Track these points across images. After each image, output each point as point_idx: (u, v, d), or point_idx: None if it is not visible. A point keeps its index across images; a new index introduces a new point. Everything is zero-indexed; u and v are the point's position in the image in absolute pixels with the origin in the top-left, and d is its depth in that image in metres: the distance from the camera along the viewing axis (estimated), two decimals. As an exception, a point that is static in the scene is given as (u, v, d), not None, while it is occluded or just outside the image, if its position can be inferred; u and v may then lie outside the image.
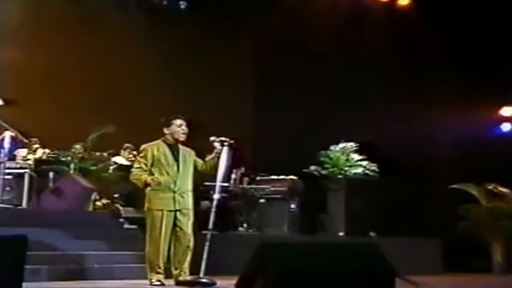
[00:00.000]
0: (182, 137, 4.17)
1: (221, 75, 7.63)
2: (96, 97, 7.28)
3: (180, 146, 4.21)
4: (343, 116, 7.64)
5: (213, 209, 4.08)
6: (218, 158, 4.11)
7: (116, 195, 6.65)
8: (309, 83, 7.89)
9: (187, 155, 4.23)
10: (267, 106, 8.03)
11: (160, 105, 6.77)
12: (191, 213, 4.15)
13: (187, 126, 4.16)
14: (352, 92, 7.69)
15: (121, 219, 6.00)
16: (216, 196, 4.15)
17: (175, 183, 4.11)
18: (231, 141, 4.14)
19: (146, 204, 4.18)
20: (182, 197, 4.14)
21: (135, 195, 6.52)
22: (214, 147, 4.19)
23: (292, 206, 6.69)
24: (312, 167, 6.94)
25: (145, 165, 4.06)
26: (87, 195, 6.20)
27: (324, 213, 6.93)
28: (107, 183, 6.57)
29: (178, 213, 4.13)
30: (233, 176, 6.42)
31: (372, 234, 6.64)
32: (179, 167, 4.14)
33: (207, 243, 4.06)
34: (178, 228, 4.13)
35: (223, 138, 4.12)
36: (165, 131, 4.17)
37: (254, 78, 8.12)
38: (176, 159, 4.16)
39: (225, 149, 4.08)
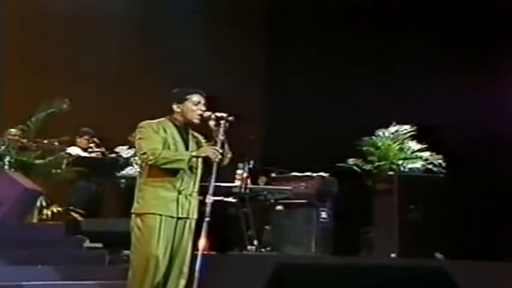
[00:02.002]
0: (196, 119, 4.14)
1: (227, 41, 8.28)
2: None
3: (191, 131, 4.23)
4: (393, 90, 7.80)
5: (206, 219, 3.97)
6: (215, 142, 4.09)
7: (72, 201, 6.91)
8: (341, 46, 8.26)
9: (198, 140, 4.26)
10: (283, 79, 8.52)
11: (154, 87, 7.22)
12: (194, 226, 4.14)
13: (204, 104, 4.18)
14: (404, 58, 7.88)
15: (79, 235, 6.10)
16: (209, 200, 4.03)
17: (182, 179, 4.07)
18: (230, 118, 4.08)
19: (135, 205, 4.07)
20: (188, 200, 4.11)
21: (99, 200, 7.32)
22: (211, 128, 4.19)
23: (323, 214, 6.75)
24: (351, 160, 6.96)
25: (161, 142, 4.04)
26: (30, 200, 6.24)
27: (368, 225, 6.93)
28: (58, 183, 6.70)
29: (180, 222, 4.10)
30: (238, 172, 6.42)
31: (437, 255, 6.60)
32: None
33: (197, 271, 3.97)
34: (175, 245, 4.10)
35: (219, 114, 4.09)
36: (175, 107, 4.15)
37: (266, 43, 8.69)
38: (186, 145, 4.16)
39: (222, 130, 4.06)
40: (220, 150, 4.02)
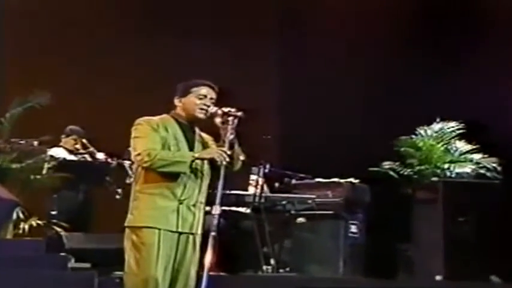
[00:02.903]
0: (200, 114, 4.14)
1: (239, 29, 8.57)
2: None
3: (197, 130, 4.23)
4: (436, 81, 7.82)
5: (213, 233, 3.91)
6: (223, 142, 4.05)
7: (53, 212, 6.81)
8: (371, 32, 8.44)
9: (205, 141, 4.25)
10: (302, 71, 8.58)
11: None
12: (198, 242, 4.14)
13: (212, 99, 4.16)
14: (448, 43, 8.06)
15: (63, 253, 6.07)
16: (216, 211, 3.96)
17: (184, 186, 4.08)
18: (239, 113, 4.04)
19: (129, 218, 4.09)
20: (191, 211, 4.11)
21: (87, 211, 7.14)
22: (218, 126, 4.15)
23: (353, 228, 6.79)
24: (386, 164, 7.02)
25: (161, 142, 4.06)
26: (4, 212, 6.23)
27: (407, 241, 6.92)
28: (38, 191, 6.68)
29: (182, 238, 4.10)
30: (252, 177, 6.50)
31: (493, 278, 6.60)
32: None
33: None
34: (176, 265, 4.10)
35: (226, 109, 4.06)
36: (177, 102, 4.19)
37: (281, 31, 8.86)
38: (191, 147, 4.16)
39: (231, 128, 4.03)
40: (229, 152, 3.98)
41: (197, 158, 4.05)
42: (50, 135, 6.81)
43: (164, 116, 4.21)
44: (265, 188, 6.64)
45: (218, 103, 4.14)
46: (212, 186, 4.14)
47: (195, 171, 4.10)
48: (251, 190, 6.43)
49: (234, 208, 6.20)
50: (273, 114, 8.72)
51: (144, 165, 4.01)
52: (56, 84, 7.33)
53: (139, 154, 4.04)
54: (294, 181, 6.90)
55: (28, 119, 6.78)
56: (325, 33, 8.61)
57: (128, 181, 6.47)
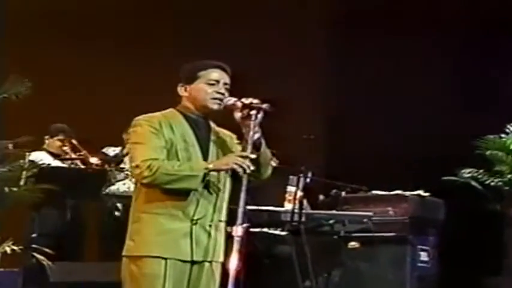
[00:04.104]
0: (215, 105, 4.13)
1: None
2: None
3: (212, 125, 4.24)
4: None
5: (234, 262, 3.89)
6: (246, 142, 4.05)
7: (33, 235, 6.83)
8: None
9: (224, 142, 4.27)
10: (353, 63, 8.65)
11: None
12: (218, 272, 4.19)
13: (227, 85, 4.17)
14: None
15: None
16: (237, 232, 3.94)
17: (197, 202, 4.10)
18: (264, 105, 4.03)
19: (129, 245, 4.12)
20: (207, 232, 4.13)
21: (76, 233, 7.14)
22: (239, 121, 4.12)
23: (422, 255, 6.75)
24: (466, 171, 6.98)
25: (166, 148, 4.10)
26: None
27: (496, 272, 6.87)
28: (14, 208, 6.63)
29: (196, 268, 4.14)
30: (290, 189, 6.46)
31: None
32: None
33: None
34: None
35: (247, 101, 4.05)
36: (182, 91, 4.20)
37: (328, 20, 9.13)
38: (204, 150, 4.17)
39: (254, 124, 4.00)
40: (252, 156, 3.95)
41: (211, 170, 4.04)
42: (30, 135, 6.60)
43: (169, 111, 4.20)
44: (306, 203, 6.66)
45: (236, 93, 4.12)
46: (235, 201, 4.08)
47: (210, 183, 4.09)
48: (288, 206, 6.42)
49: (266, 229, 6.20)
50: (316, 110, 8.82)
51: (144, 181, 3.98)
52: (41, 74, 7.44)
53: (137, 166, 4.00)
54: (343, 194, 6.95)
55: (2, 114, 6.84)
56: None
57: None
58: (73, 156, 7.35)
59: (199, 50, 7.91)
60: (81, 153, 7.35)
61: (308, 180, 6.42)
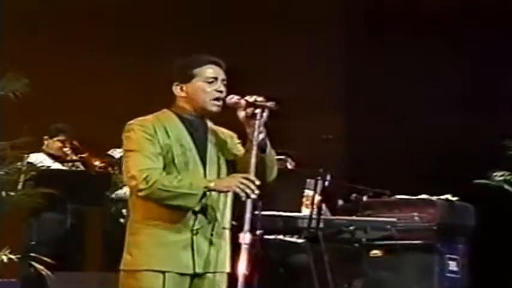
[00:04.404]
0: (215, 106, 4.12)
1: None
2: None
3: (210, 124, 4.23)
4: None
5: (242, 269, 3.86)
6: (250, 142, 4.03)
7: (32, 243, 6.86)
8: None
9: (224, 143, 4.26)
10: (373, 58, 8.66)
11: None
12: (224, 285, 4.21)
13: (224, 81, 4.18)
14: None
15: None
16: (245, 240, 3.89)
17: (198, 210, 4.11)
18: (269, 104, 4.00)
19: (126, 258, 4.12)
20: (210, 242, 4.13)
21: (78, 242, 7.11)
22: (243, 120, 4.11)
23: (451, 265, 6.80)
24: (498, 174, 6.79)
25: (162, 154, 4.11)
26: None
27: None
28: (11, 214, 6.59)
29: (198, 282, 4.14)
30: (307, 193, 6.47)
31: None
32: (206, 169, 4.15)
33: None
34: None
35: (251, 99, 4.04)
36: (178, 91, 4.17)
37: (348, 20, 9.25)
38: (202, 153, 4.17)
39: (259, 125, 4.00)
40: (257, 183, 3.90)
41: (211, 190, 4.03)
42: (28, 135, 6.46)
43: (163, 112, 4.16)
44: (324, 208, 6.65)
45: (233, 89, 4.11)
46: (240, 206, 4.06)
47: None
48: (305, 211, 6.39)
49: (281, 237, 6.19)
50: (336, 110, 8.88)
51: (140, 194, 3.96)
52: (42, 72, 7.51)
53: (133, 177, 3.99)
54: (365, 198, 6.95)
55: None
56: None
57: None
58: (74, 158, 7.36)
59: (207, 51, 8.23)
60: (83, 155, 7.36)
61: (327, 183, 6.39)
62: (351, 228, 6.44)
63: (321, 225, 6.25)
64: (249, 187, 3.89)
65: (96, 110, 8.27)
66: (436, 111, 8.29)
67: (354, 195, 6.90)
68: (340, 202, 7.01)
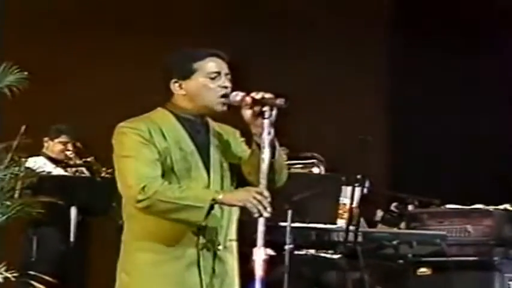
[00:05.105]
0: (219, 105, 4.12)
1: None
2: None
3: (211, 123, 4.24)
4: None
5: None
6: (258, 146, 4.06)
7: (31, 259, 6.92)
8: None
9: (227, 143, 4.27)
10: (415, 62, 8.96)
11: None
12: None
13: (228, 75, 4.19)
14: None
15: None
16: (258, 255, 3.88)
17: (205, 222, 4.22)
18: (278, 101, 3.98)
19: (122, 279, 4.16)
20: (219, 258, 4.15)
21: (82, 258, 7.17)
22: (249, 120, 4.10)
23: None
24: None
25: (160, 160, 4.11)
26: None
27: None
28: (7, 225, 6.45)
29: None
30: (343, 201, 6.42)
31: None
32: (210, 175, 4.15)
33: None
34: None
35: (258, 96, 4.03)
36: (176, 88, 4.16)
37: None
38: (204, 157, 4.17)
39: (268, 125, 4.01)
40: (268, 198, 3.89)
41: (220, 203, 4.01)
42: (26, 136, 6.49)
43: (156, 111, 4.15)
44: (361, 219, 6.62)
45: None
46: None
47: (224, 185, 4.12)
48: (341, 222, 6.36)
49: (314, 252, 6.16)
50: (376, 110, 9.04)
51: (138, 205, 3.93)
52: (41, 71, 7.51)
53: (129, 187, 3.97)
54: (410, 208, 6.94)
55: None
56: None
57: None
58: (78, 162, 7.40)
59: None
60: (88, 158, 7.39)
61: (366, 191, 6.37)
62: (395, 242, 6.37)
63: (360, 238, 6.20)
64: (261, 203, 3.86)
65: (102, 109, 8.26)
66: (492, 112, 8.41)
67: (394, 204, 6.90)
68: (379, 213, 7.00)
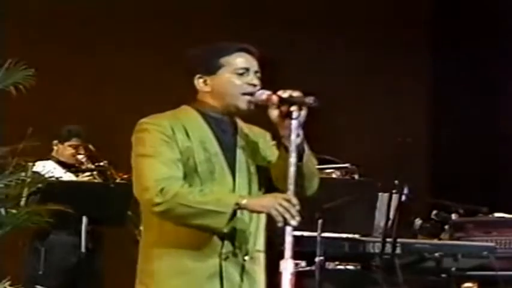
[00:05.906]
0: (247, 104, 4.12)
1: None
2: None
3: (240, 123, 4.26)
4: None
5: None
6: (286, 149, 4.05)
7: (39, 272, 6.98)
8: None
9: (256, 146, 4.29)
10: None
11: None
12: None
13: (258, 73, 4.19)
14: None
15: None
16: (288, 265, 3.84)
17: (227, 230, 4.17)
18: (308, 100, 3.97)
19: None
20: (242, 267, 4.16)
21: (93, 271, 7.26)
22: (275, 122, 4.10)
23: None
24: None
25: (182, 161, 4.12)
26: None
27: None
28: (13, 235, 6.31)
29: None
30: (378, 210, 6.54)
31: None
32: (236, 179, 4.16)
33: None
34: None
35: (285, 94, 4.01)
36: (200, 84, 4.16)
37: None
38: (230, 159, 4.19)
39: (297, 125, 4.01)
40: (296, 206, 3.88)
41: (243, 208, 4.00)
42: (34, 139, 6.26)
43: (181, 109, 4.16)
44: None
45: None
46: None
47: (252, 190, 4.13)
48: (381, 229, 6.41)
49: (344, 264, 6.28)
50: (416, 108, 9.14)
51: (155, 209, 3.92)
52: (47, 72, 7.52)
53: (146, 189, 3.96)
54: (454, 217, 6.87)
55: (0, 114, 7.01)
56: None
57: None
58: (90, 166, 7.47)
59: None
60: (100, 163, 7.46)
61: (404, 198, 6.27)
62: (437, 254, 6.40)
63: (398, 250, 6.21)
64: (289, 211, 3.83)
65: (116, 110, 8.47)
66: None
67: (434, 212, 6.86)
68: (417, 221, 6.95)
